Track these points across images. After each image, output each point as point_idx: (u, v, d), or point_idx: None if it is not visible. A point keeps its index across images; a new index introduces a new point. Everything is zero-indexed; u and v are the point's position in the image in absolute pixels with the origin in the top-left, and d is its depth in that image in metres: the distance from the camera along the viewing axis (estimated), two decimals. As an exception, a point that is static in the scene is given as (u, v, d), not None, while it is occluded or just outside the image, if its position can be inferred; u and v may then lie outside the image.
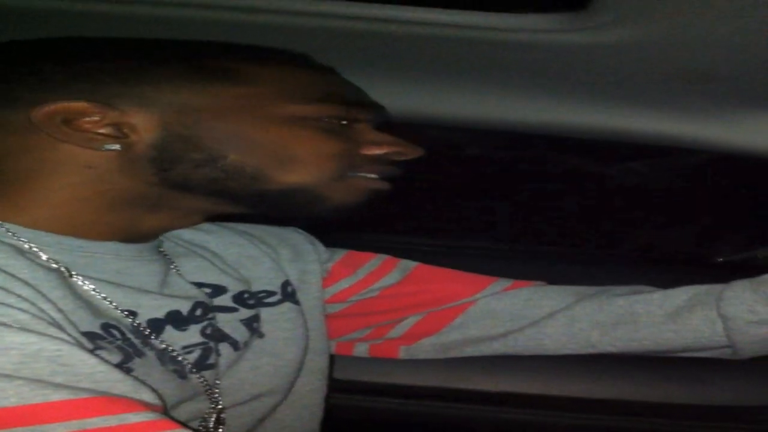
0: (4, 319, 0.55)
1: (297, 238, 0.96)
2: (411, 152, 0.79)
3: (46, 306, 0.61)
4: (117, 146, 0.67)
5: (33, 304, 0.59)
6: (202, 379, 0.74)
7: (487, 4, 0.75)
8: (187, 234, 0.86)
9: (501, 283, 0.96)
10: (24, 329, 0.56)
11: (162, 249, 0.80)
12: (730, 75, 0.85)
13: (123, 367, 0.63)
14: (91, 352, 0.60)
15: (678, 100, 0.96)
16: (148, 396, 0.59)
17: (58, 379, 0.54)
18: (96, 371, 0.57)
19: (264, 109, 0.71)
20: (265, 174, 0.71)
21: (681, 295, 0.90)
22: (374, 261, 0.97)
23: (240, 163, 0.70)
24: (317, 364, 0.90)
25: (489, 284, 0.96)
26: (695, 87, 0.90)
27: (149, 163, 0.69)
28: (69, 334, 0.60)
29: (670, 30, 0.72)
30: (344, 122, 0.75)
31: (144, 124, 0.68)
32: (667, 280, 0.95)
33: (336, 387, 0.96)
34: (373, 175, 0.78)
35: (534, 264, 1.45)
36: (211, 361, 0.76)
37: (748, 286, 0.86)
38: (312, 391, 0.90)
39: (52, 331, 0.58)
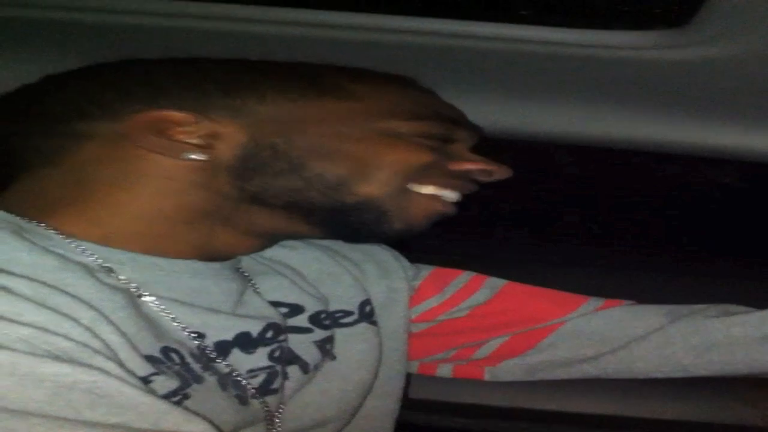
0: (48, 347, 0.52)
1: (383, 254, 0.93)
2: (501, 172, 0.79)
3: (105, 329, 0.58)
4: (204, 156, 0.67)
5: (88, 329, 0.56)
6: (263, 405, 0.72)
7: (593, 22, 0.76)
8: (269, 251, 0.82)
9: (593, 303, 0.93)
10: (61, 360, 0.52)
11: (241, 267, 0.79)
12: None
13: (180, 393, 0.62)
14: (146, 378, 0.59)
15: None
16: (199, 426, 0.56)
17: (99, 411, 0.51)
18: (140, 402, 0.53)
19: (361, 123, 0.71)
20: (345, 184, 0.70)
21: None
22: (461, 278, 0.94)
23: (322, 172, 0.69)
24: (391, 386, 0.87)
25: (581, 304, 0.93)
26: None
27: (229, 175, 0.68)
28: (124, 361, 0.57)
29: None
30: (440, 141, 0.75)
31: (233, 134, 0.68)
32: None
33: (411, 406, 0.94)
34: (453, 194, 0.77)
35: (624, 280, 1.43)
36: (275, 385, 0.73)
37: None
38: (382, 414, 0.87)
39: (98, 360, 0.54)
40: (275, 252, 0.84)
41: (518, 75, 0.91)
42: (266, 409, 0.72)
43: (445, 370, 0.97)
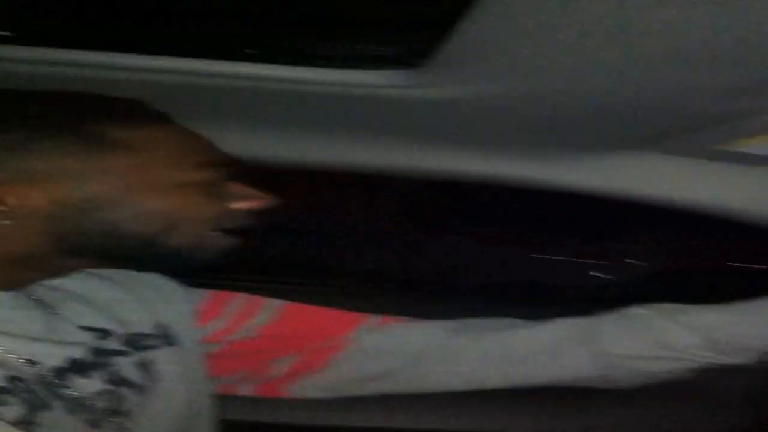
0: None
1: (159, 279, 0.94)
2: (268, 201, 0.84)
3: None
4: (9, 221, 0.68)
5: None
6: (116, 426, 0.74)
7: (333, 62, 0.81)
8: (54, 281, 0.84)
9: (373, 320, 0.98)
10: None
11: (34, 295, 0.79)
12: (548, 125, 0.93)
13: (27, 421, 0.63)
14: None
15: (505, 145, 1.05)
16: None
17: None
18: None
19: (152, 177, 0.74)
20: (155, 239, 0.74)
21: (552, 330, 0.94)
22: (238, 300, 0.97)
23: (133, 231, 0.72)
24: (204, 404, 0.91)
25: (360, 321, 0.97)
26: (515, 135, 0.99)
27: (43, 234, 0.70)
28: None
29: (496, 88, 0.78)
30: (219, 183, 0.80)
31: (31, 195, 0.68)
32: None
33: (229, 428, 0.97)
34: (236, 226, 0.81)
35: (396, 300, 1.50)
36: (122, 407, 0.76)
37: (617, 321, 0.93)
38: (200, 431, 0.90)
39: None
40: (60, 281, 0.84)
41: (275, 109, 0.95)
42: (118, 430, 0.75)
43: (245, 389, 0.99)
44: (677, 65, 0.63)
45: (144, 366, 0.82)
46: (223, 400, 0.94)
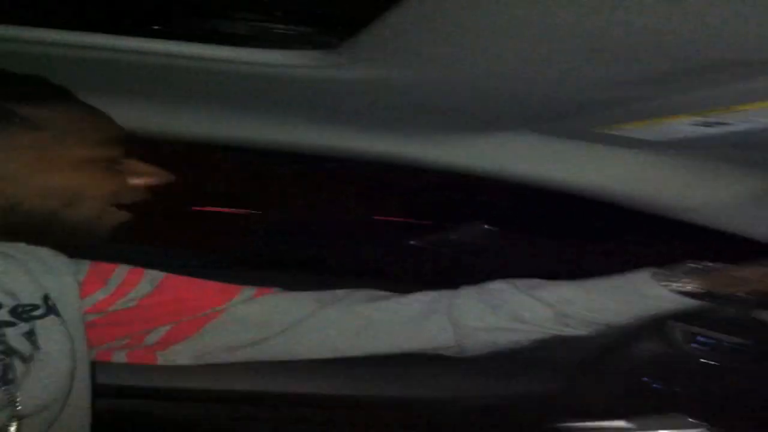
0: None
1: (44, 252, 0.95)
2: (165, 177, 0.88)
3: None
4: None
5: None
6: (6, 393, 0.76)
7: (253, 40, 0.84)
8: None
9: (247, 291, 1.02)
10: None
11: None
12: (451, 107, 0.99)
13: None
14: None
15: (412, 126, 1.10)
16: None
17: None
18: None
19: (54, 154, 0.75)
20: (57, 215, 0.76)
21: (415, 302, 1.02)
22: (119, 271, 0.99)
23: (34, 207, 0.75)
24: (81, 371, 0.92)
25: (237, 292, 1.01)
26: (426, 116, 1.04)
27: None
28: None
29: (403, 74, 0.83)
30: (119, 160, 0.83)
31: None
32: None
33: (102, 392, 0.99)
34: (134, 202, 0.85)
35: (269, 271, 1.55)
36: (10, 375, 0.79)
37: (476, 295, 1.01)
38: (79, 397, 0.92)
39: None
40: None
41: (183, 86, 0.97)
42: (8, 397, 0.78)
43: (119, 357, 1.01)
44: (567, 59, 0.69)
45: (28, 336, 0.84)
46: (99, 366, 0.98)
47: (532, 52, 0.68)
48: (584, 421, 1.60)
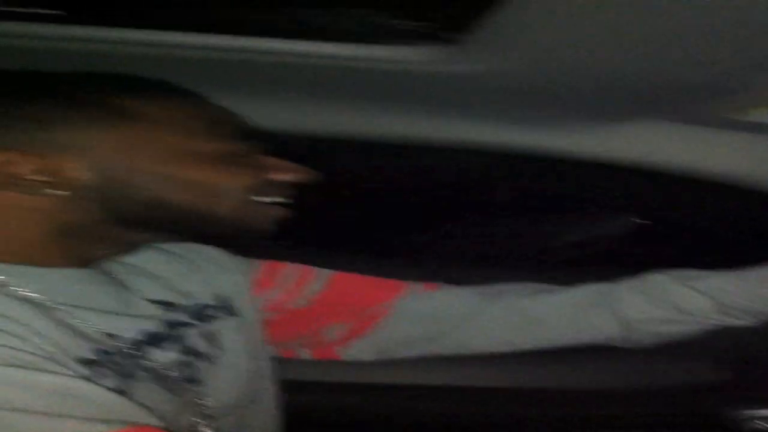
0: (16, 360, 0.58)
1: (214, 251, 0.98)
2: (310, 176, 0.87)
3: (39, 341, 0.63)
4: (59, 191, 0.70)
5: (27, 340, 0.62)
6: (193, 395, 0.79)
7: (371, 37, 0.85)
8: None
9: (413, 287, 1.04)
10: (26, 368, 0.58)
11: (105, 272, 0.82)
12: (576, 94, 0.97)
13: (121, 390, 0.66)
14: (90, 380, 0.63)
15: (536, 116, 1.09)
16: (154, 420, 0.63)
17: (77, 409, 0.58)
18: (108, 401, 0.61)
19: (181, 148, 0.76)
20: (200, 209, 0.76)
21: (578, 295, 1.02)
22: (290, 270, 1.02)
23: (174, 200, 0.75)
24: (266, 369, 0.95)
25: (405, 287, 1.03)
26: (550, 107, 1.03)
27: (92, 203, 0.72)
28: (66, 366, 0.63)
29: (522, 64, 0.83)
30: (252, 155, 0.83)
31: (75, 167, 0.71)
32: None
33: (292, 388, 1.02)
34: (278, 199, 0.84)
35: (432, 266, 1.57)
36: (196, 376, 0.81)
37: (637, 287, 1.00)
38: (265, 395, 0.95)
39: (50, 366, 0.61)
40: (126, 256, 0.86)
41: (313, 83, 1.00)
42: (196, 398, 0.79)
43: (304, 353, 1.04)
44: (685, 41, 0.68)
45: (209, 337, 0.87)
46: (281, 362, 1.00)
47: (663, 32, 0.65)
48: (756, 409, 1.54)
